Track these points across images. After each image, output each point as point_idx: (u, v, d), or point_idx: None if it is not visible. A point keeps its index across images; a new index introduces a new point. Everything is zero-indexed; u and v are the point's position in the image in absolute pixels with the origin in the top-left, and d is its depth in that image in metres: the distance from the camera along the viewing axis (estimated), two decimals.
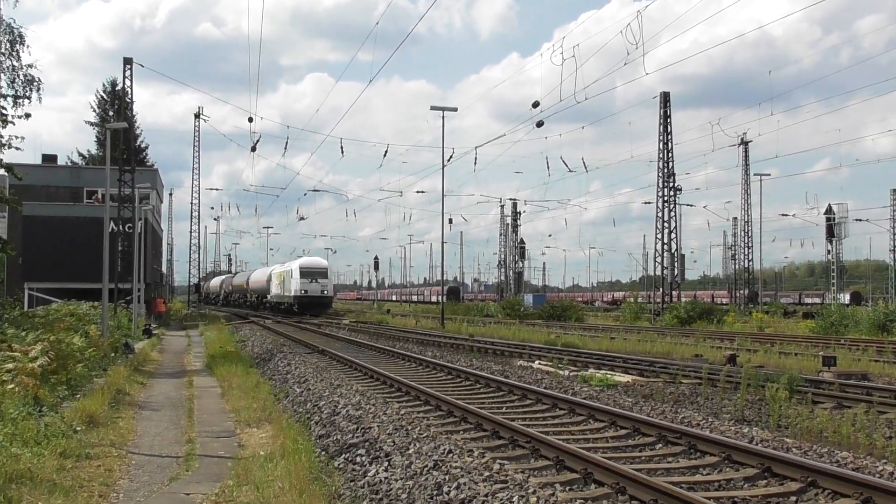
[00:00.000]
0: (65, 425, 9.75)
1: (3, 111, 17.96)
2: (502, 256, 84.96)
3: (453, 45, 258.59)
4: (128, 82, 37.54)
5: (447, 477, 7.27)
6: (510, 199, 78.22)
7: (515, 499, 6.50)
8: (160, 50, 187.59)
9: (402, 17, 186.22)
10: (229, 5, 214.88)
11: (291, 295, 53.91)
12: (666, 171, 46.45)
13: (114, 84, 58.12)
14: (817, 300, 78.93)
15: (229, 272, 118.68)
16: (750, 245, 62.59)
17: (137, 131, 57.78)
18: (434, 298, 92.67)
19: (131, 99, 38.73)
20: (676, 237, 47.11)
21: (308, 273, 53.45)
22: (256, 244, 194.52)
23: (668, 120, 46.29)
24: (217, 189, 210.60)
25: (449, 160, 42.47)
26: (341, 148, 38.93)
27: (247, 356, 22.65)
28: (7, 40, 19.93)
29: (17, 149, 20.25)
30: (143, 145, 62.89)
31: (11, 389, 10.33)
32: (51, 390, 11.90)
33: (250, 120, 55.68)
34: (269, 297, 63.41)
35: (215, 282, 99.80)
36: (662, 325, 39.73)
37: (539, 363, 18.66)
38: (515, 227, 77.70)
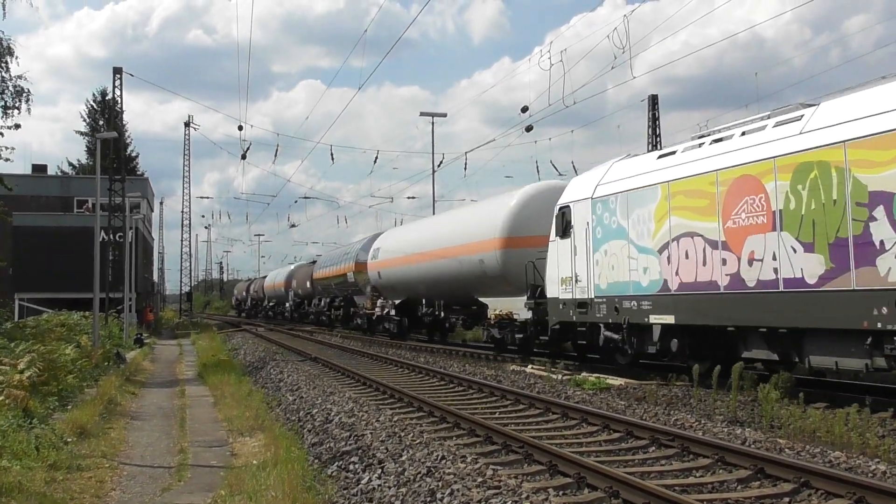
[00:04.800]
0: (55, 437, 9.69)
1: None
2: None
3: (446, 50, 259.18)
4: (118, 92, 37.44)
5: (440, 483, 7.25)
6: None
7: None
8: (151, 58, 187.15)
9: (395, 24, 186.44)
10: (220, 13, 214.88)
11: None
12: None
13: (104, 93, 58.04)
14: None
15: (250, 276, 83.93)
16: None
17: (128, 140, 57.70)
18: None
19: (121, 108, 38.63)
20: None
21: None
22: (248, 252, 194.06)
23: (657, 122, 46.44)
24: (208, 197, 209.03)
25: (439, 166, 41.95)
26: (331, 155, 38.97)
27: (239, 365, 22.57)
28: None
29: (6, 160, 20.23)
30: (133, 154, 62.81)
31: (1, 402, 10.27)
32: (41, 402, 11.84)
33: (240, 128, 55.86)
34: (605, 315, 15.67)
35: (278, 276, 58.53)
36: None
37: (532, 367, 18.64)
38: None
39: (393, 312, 29.31)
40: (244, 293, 76.24)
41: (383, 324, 30.73)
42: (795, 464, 7.62)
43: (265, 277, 67.86)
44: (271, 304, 61.32)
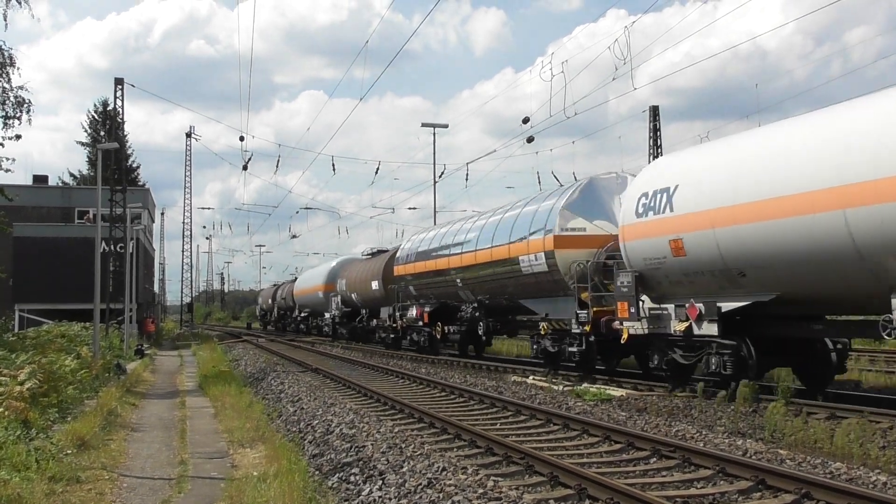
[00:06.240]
0: (55, 448, 9.66)
1: None
2: None
3: (448, 61, 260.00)
4: (119, 102, 37.54)
5: (441, 495, 7.24)
6: None
7: None
8: (153, 69, 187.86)
9: (397, 35, 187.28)
10: (222, 24, 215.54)
11: None
12: None
13: (105, 104, 58.24)
14: None
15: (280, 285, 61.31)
16: None
17: (129, 151, 57.88)
18: None
19: (122, 119, 38.75)
20: None
21: None
22: (249, 263, 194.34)
23: (658, 133, 46.53)
24: (209, 208, 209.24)
25: (441, 176, 41.85)
26: (333, 165, 38.98)
27: (240, 376, 22.53)
28: None
29: (7, 170, 20.28)
30: (134, 164, 62.97)
31: (1, 413, 10.25)
32: (41, 413, 11.81)
33: (242, 139, 56.02)
34: None
35: (314, 277, 44.57)
36: None
37: (533, 378, 18.62)
38: None
39: (714, 330, 13.65)
40: (269, 301, 60.42)
41: (666, 355, 15.06)
42: (796, 475, 7.62)
43: (294, 281, 52.67)
44: (303, 314, 47.03)
